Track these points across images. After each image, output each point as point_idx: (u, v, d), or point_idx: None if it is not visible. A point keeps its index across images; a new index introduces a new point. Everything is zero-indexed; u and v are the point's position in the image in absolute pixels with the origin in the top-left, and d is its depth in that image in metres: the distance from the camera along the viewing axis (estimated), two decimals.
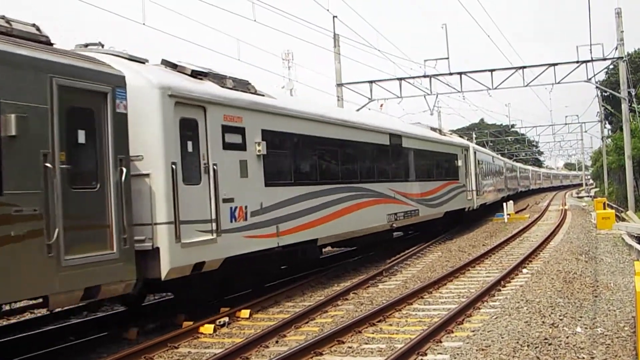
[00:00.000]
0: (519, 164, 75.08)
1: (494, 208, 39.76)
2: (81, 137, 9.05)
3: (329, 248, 20.89)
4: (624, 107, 36.19)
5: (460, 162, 28.50)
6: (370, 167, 18.73)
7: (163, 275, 10.28)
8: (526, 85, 35.10)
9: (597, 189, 79.66)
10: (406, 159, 21.93)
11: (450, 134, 32.46)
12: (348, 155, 17.45)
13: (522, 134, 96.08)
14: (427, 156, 24.46)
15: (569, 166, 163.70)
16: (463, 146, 30.34)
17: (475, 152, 32.53)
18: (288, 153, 14.50)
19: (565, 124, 72.94)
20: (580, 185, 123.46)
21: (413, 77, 36.24)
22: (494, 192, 40.88)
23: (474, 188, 30.89)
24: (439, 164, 26.17)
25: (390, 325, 11.02)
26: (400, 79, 36.02)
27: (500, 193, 44.48)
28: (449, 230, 27.61)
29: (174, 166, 10.55)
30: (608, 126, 69.97)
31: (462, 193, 28.61)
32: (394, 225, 19.84)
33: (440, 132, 29.68)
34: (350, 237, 17.41)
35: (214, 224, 11.43)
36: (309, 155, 15.58)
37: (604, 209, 31.87)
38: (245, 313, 12.17)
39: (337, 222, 16.06)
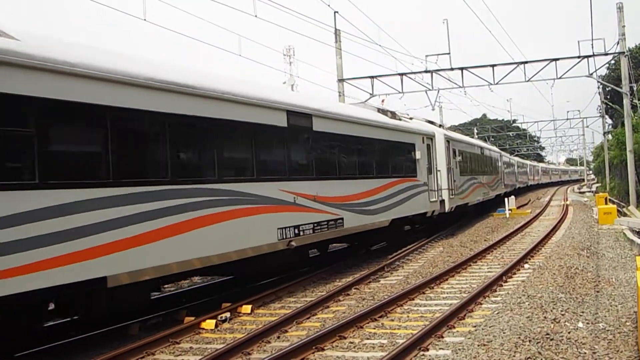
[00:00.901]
0: (516, 158, 70.28)
1: (491, 205, 38.54)
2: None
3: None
4: (626, 102, 36.11)
5: (419, 155, 22.20)
6: (244, 159, 12.98)
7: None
8: (528, 81, 34.99)
9: (599, 184, 79.56)
10: (320, 148, 15.79)
11: (410, 118, 25.36)
12: (186, 140, 11.30)
13: (524, 129, 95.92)
14: (359, 145, 17.90)
15: (570, 161, 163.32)
16: (424, 134, 23.66)
17: (448, 142, 26.65)
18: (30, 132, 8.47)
19: (567, 119, 72.92)
20: (581, 180, 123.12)
21: (414, 73, 36.13)
22: (482, 190, 34.94)
23: (444, 186, 25.11)
24: (382, 157, 19.46)
25: (392, 320, 11.03)
26: (401, 75, 35.93)
27: (494, 190, 39.86)
28: (396, 242, 21.56)
29: None
30: (609, 121, 69.86)
31: (422, 193, 22.47)
32: (293, 243, 13.91)
33: (394, 115, 22.25)
34: (182, 269, 11.15)
35: None
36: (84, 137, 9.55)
37: (606, 204, 31.85)
38: (246, 308, 12.19)
39: (163, 243, 10.28)
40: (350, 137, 17.31)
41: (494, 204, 39.02)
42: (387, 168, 19.67)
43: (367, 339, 9.78)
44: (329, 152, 16.32)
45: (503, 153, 52.42)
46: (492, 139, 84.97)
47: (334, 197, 16.08)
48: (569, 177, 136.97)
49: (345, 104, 23.94)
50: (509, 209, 35.67)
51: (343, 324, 10.20)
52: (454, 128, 61.83)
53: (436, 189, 24.14)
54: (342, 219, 16.29)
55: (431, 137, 24.47)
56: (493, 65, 34.91)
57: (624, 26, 34.54)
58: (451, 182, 26.19)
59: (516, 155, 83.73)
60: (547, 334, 8.99)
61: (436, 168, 24.43)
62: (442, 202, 24.94)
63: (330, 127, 16.20)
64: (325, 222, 15.56)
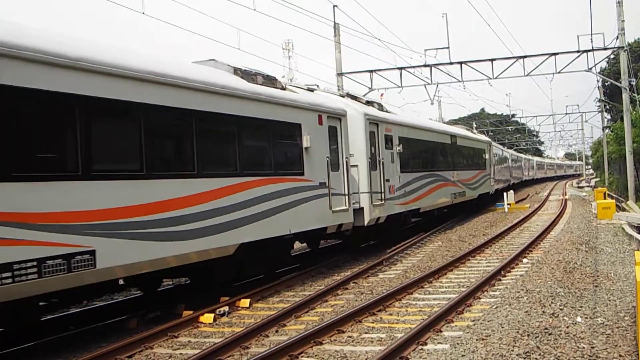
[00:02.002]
0: (510, 150, 61.27)
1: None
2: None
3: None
4: (625, 96, 36.09)
5: (307, 141, 15.04)
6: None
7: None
8: (527, 75, 34.97)
9: (598, 179, 79.61)
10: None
11: (309, 90, 17.78)
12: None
13: (523, 124, 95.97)
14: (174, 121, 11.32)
15: (569, 156, 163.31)
16: (324, 111, 16.20)
17: (375, 124, 19.14)
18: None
19: (566, 113, 72.89)
20: (578, 175, 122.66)
21: (413, 67, 36.10)
22: (453, 190, 28.15)
23: (364, 189, 18.08)
24: (223, 143, 12.60)
25: (391, 314, 11.03)
26: (400, 69, 35.90)
27: (476, 189, 33.12)
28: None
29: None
30: (608, 116, 69.85)
31: (316, 200, 15.35)
32: None
33: (271, 82, 14.57)
34: None
35: None
36: None
37: (605, 198, 31.86)
38: (245, 302, 12.19)
39: None
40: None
41: (488, 200, 38.16)
42: (232, 161, 12.68)
43: (366, 333, 9.78)
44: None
45: (494, 144, 44.87)
46: (491, 133, 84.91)
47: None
48: (564, 172, 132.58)
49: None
50: (508, 204, 35.67)
51: (341, 318, 10.20)
52: (452, 122, 61.50)
53: (346, 192, 16.91)
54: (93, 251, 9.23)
55: (339, 117, 16.97)
56: (492, 60, 34.88)
57: (623, 21, 34.50)
58: (378, 181, 18.81)
59: (510, 148, 78.04)
60: (546, 329, 8.99)
61: (345, 162, 16.94)
62: (361, 210, 17.87)
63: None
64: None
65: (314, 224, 15.30)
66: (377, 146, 19.07)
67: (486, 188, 36.14)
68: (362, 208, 17.81)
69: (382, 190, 18.97)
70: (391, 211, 19.77)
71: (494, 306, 10.84)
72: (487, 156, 37.22)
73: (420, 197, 23.00)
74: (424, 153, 24.60)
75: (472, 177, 32.32)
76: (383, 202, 19.02)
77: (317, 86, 19.20)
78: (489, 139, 41.59)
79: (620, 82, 36.32)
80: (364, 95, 25.55)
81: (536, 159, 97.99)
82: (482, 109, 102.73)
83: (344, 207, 16.64)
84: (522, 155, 76.03)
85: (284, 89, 15.14)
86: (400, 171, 20.90)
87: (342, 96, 19.58)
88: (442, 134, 27.93)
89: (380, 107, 21.21)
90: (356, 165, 17.66)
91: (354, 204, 17.36)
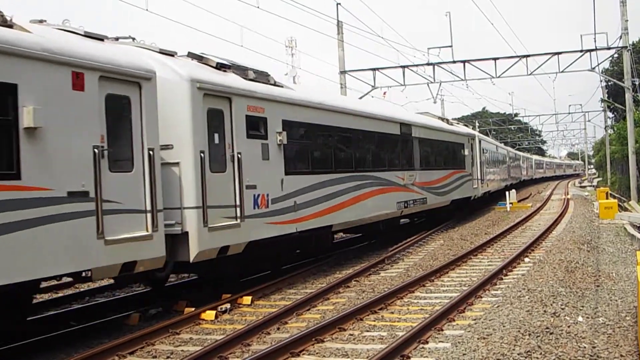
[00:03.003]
0: (507, 147, 54.09)
1: None
2: None
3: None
4: (628, 96, 36.05)
5: (31, 118, 8.90)
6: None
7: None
8: (530, 74, 34.98)
9: (600, 179, 79.55)
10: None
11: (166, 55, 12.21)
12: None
13: (525, 123, 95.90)
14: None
15: (572, 155, 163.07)
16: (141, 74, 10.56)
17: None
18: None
19: (569, 113, 72.88)
20: (577, 175, 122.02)
21: (416, 65, 36.14)
22: (389, 198, 20.11)
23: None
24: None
25: (392, 313, 11.03)
26: (403, 67, 35.93)
27: (446, 195, 25.97)
28: None
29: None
30: (611, 115, 69.81)
31: None
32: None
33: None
34: None
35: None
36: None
37: (607, 198, 31.82)
38: (246, 300, 12.19)
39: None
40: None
41: (489, 199, 37.82)
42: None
43: (367, 331, 9.78)
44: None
45: (483, 138, 37.44)
46: (494, 132, 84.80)
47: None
48: (563, 171, 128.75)
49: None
50: (510, 203, 35.66)
51: (343, 316, 10.21)
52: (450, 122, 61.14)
53: (148, 208, 11.36)
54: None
55: (136, 81, 7.15)
56: (495, 59, 34.92)
57: (626, 20, 34.46)
58: (227, 188, 12.49)
59: (513, 147, 74.51)
60: (547, 328, 8.99)
61: (147, 157, 11.96)
62: (184, 236, 12.38)
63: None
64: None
65: (45, 268, 8.83)
66: (228, 133, 12.49)
67: (465, 192, 29.00)
68: (187, 233, 11.46)
69: (238, 203, 12.49)
70: (258, 235, 13.10)
71: (496, 305, 10.84)
72: (466, 152, 29.73)
73: (333, 209, 16.18)
74: (341, 146, 17.33)
75: (441, 179, 25.28)
76: (239, 221, 12.47)
77: (116, 39, 12.03)
78: (473, 132, 34.10)
79: (624, 82, 36.28)
80: (366, 94, 25.12)
81: (534, 157, 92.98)
82: (484, 108, 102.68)
83: (139, 233, 10.34)
84: (521, 154, 71.62)
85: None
86: (286, 172, 14.31)
87: (162, 52, 12.26)
88: (384, 121, 20.22)
89: (264, 79, 14.26)
90: (177, 163, 11.51)
91: (171, 226, 11.34)
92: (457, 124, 32.69)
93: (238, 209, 12.45)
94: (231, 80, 12.83)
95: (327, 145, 16.54)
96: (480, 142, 33.60)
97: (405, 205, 21.04)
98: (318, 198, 15.51)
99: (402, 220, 23.83)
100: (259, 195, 13.19)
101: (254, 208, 13.00)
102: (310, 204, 15.18)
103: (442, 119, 29.58)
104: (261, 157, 13.42)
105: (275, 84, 14.62)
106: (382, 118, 20.21)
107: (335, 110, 16.96)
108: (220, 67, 12.97)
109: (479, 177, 32.14)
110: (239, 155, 12.57)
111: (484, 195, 34.45)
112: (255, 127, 13.33)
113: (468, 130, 32.78)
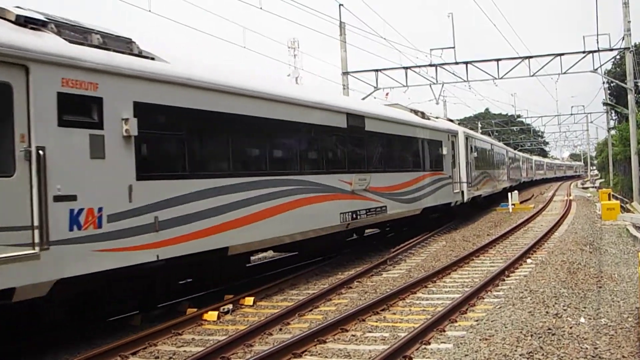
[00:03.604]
0: (487, 139, 40.72)
1: None
2: None
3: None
4: (630, 97, 36.02)
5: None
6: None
7: None
8: (532, 75, 34.99)
9: (602, 180, 79.48)
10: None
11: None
12: None
13: (528, 124, 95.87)
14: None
15: (574, 157, 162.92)
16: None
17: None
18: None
19: (571, 114, 72.84)
20: (577, 177, 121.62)
21: (419, 66, 36.14)
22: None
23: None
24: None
25: (394, 314, 11.04)
26: (406, 68, 35.94)
27: (413, 202, 21.36)
28: None
29: None
30: (614, 116, 69.73)
31: None
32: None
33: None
34: None
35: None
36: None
37: (609, 199, 31.80)
38: (249, 300, 12.21)
39: None
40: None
41: (492, 200, 37.89)
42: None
43: (369, 332, 9.79)
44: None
45: (470, 134, 32.39)
46: (496, 134, 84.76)
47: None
48: (563, 173, 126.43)
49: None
50: (512, 204, 35.66)
51: (345, 316, 10.22)
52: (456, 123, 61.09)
53: None
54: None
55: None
56: (498, 60, 34.93)
57: (629, 21, 34.43)
58: None
59: (515, 149, 72.35)
60: (549, 329, 9.00)
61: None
62: None
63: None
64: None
65: None
66: (19, 119, 8.38)
67: (442, 197, 24.70)
68: None
69: (37, 223, 8.34)
70: (78, 269, 8.94)
71: (498, 306, 10.85)
72: (445, 151, 25.29)
73: (230, 224, 12.04)
74: (246, 141, 13.00)
75: (407, 183, 20.99)
76: (37, 249, 8.32)
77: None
78: (456, 128, 29.35)
79: (626, 83, 36.25)
80: (369, 95, 24.52)
81: (535, 158, 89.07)
82: (487, 109, 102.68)
83: None
84: (520, 154, 67.21)
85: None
86: (139, 176, 10.05)
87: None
88: (320, 110, 15.79)
89: (123, 47, 10.36)
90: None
91: None
92: (436, 118, 27.86)
93: (37, 232, 8.27)
94: (33, 40, 8.70)
95: (220, 140, 12.14)
96: (467, 139, 29.25)
97: (354, 216, 16.87)
98: (202, 211, 11.27)
99: (368, 230, 20.74)
100: (81, 210, 8.94)
101: (72, 229, 8.79)
102: (187, 220, 10.91)
103: (416, 112, 24.47)
104: (89, 154, 9.20)
105: (140, 55, 10.63)
106: (317, 106, 15.59)
107: (235, 92, 12.45)
108: (26, 21, 8.96)
109: (465, 180, 27.97)
110: (41, 152, 8.42)
111: (474, 200, 30.57)
112: (78, 110, 9.12)
113: (449, 125, 28.11)
